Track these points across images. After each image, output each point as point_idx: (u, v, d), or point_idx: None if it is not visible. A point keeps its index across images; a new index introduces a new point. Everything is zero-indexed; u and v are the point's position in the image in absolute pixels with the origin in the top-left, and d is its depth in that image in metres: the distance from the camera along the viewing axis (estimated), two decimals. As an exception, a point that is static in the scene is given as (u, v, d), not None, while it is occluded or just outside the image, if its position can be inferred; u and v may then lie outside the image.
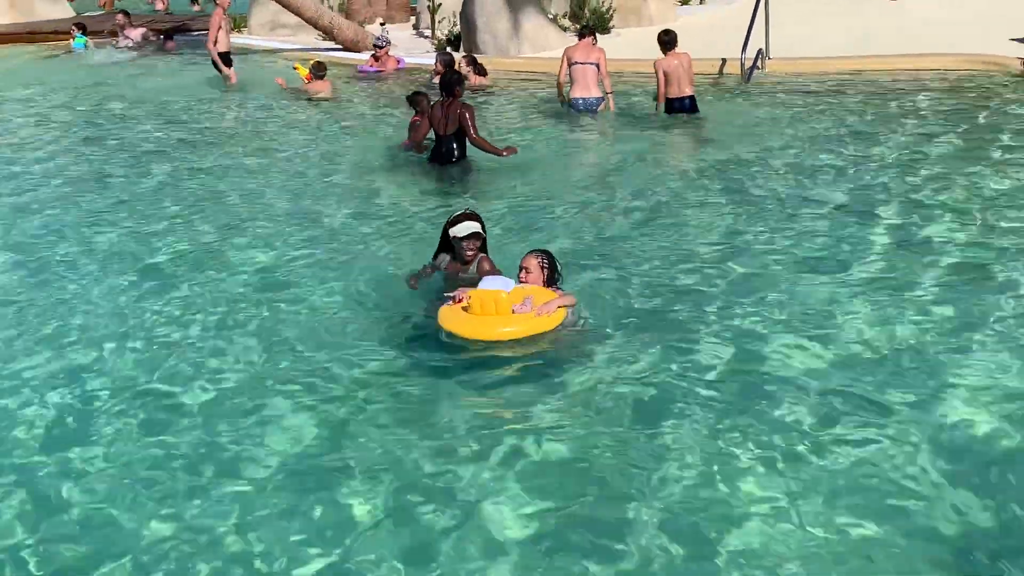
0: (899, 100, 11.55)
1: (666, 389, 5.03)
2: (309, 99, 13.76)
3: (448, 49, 16.68)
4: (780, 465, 4.33)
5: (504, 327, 5.36)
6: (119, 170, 10.33)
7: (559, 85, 12.34)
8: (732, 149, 9.90)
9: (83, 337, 6.03)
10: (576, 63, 11.87)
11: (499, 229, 7.45)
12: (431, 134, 9.83)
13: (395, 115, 12.51)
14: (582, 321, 5.68)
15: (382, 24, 20.46)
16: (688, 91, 11.38)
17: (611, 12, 17.92)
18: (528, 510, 4.09)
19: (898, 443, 4.45)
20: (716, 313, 5.92)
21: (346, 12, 20.59)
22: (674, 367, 5.26)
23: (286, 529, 4.06)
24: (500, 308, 5.37)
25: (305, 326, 6.04)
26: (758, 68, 13.54)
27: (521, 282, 5.72)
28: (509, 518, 4.04)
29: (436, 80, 12.40)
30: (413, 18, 21.48)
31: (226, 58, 15.49)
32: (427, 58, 15.96)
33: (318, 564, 3.85)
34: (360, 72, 15.98)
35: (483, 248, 6.20)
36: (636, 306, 6.10)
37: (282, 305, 6.40)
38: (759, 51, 13.61)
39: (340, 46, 18.31)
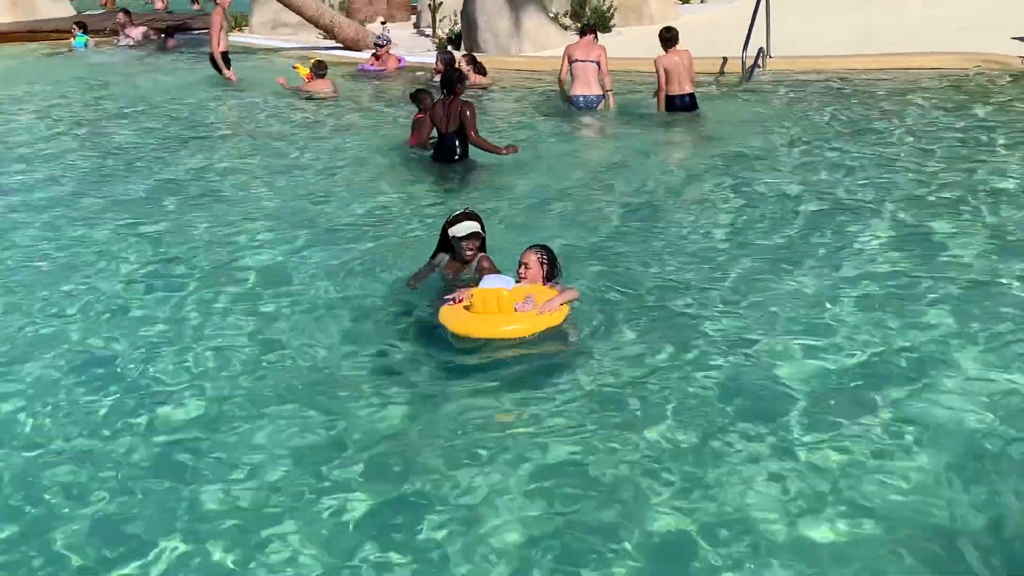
0: (900, 98, 11.53)
1: (666, 388, 5.02)
2: (310, 98, 13.75)
3: (449, 48, 16.67)
4: (780, 466, 4.32)
5: (507, 325, 5.36)
6: (119, 169, 10.33)
7: (560, 82, 12.36)
8: (732, 147, 9.89)
9: (83, 337, 6.03)
10: (577, 61, 11.87)
11: (500, 227, 7.45)
12: (434, 132, 9.85)
13: (396, 114, 12.51)
14: (577, 335, 5.66)
15: (383, 23, 20.47)
16: (688, 89, 11.37)
17: (612, 10, 17.91)
18: (528, 511, 4.08)
19: (897, 442, 4.45)
20: (716, 311, 5.91)
21: (347, 11, 20.59)
22: (674, 366, 5.25)
23: (286, 529, 4.06)
24: (502, 306, 5.36)
25: (304, 327, 6.03)
26: (759, 67, 13.53)
27: (521, 278, 5.72)
28: (509, 518, 4.04)
29: (437, 79, 12.41)
30: (414, 17, 21.48)
31: (224, 58, 15.49)
32: (428, 57, 15.96)
33: (318, 563, 3.85)
34: (361, 71, 15.98)
35: (482, 248, 6.19)
36: (636, 304, 6.09)
37: (281, 305, 6.38)
38: (760, 49, 13.60)
39: (341, 45, 18.31)
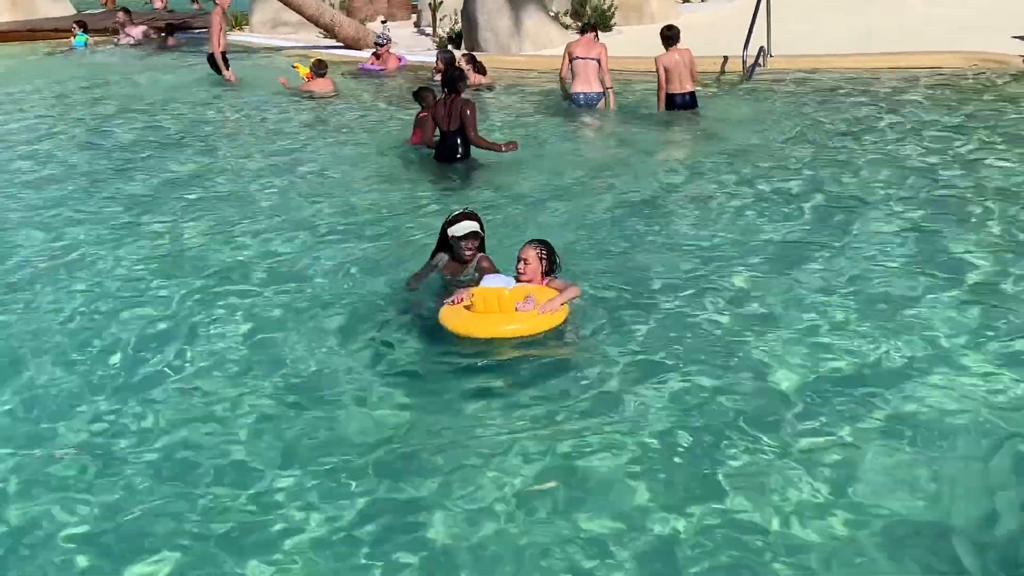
0: (901, 97, 11.52)
1: (667, 388, 5.01)
2: (310, 97, 13.74)
3: (449, 47, 16.66)
4: (779, 466, 4.32)
5: (507, 325, 5.35)
6: (119, 168, 10.31)
7: (561, 79, 12.37)
8: (733, 145, 9.89)
9: (82, 337, 6.02)
10: (577, 58, 11.88)
11: (501, 226, 7.44)
12: (436, 131, 9.85)
13: (396, 113, 12.50)
14: (577, 335, 5.64)
15: (383, 22, 20.46)
16: (689, 87, 11.37)
17: (613, 9, 17.90)
18: (528, 511, 4.08)
19: (898, 442, 4.44)
20: (717, 309, 5.91)
21: (347, 10, 20.57)
22: (675, 365, 5.24)
23: (285, 529, 4.05)
24: (503, 305, 5.35)
25: (303, 327, 6.01)
26: (760, 66, 13.52)
27: (519, 273, 5.71)
28: (509, 518, 4.03)
29: (437, 78, 12.41)
30: (414, 16, 21.46)
31: (223, 58, 15.47)
32: (428, 56, 15.96)
33: (318, 563, 3.85)
34: (361, 70, 15.96)
35: (481, 247, 6.18)
36: (637, 302, 6.07)
37: (280, 305, 6.37)
38: (761, 49, 13.59)
39: (341, 44, 18.29)
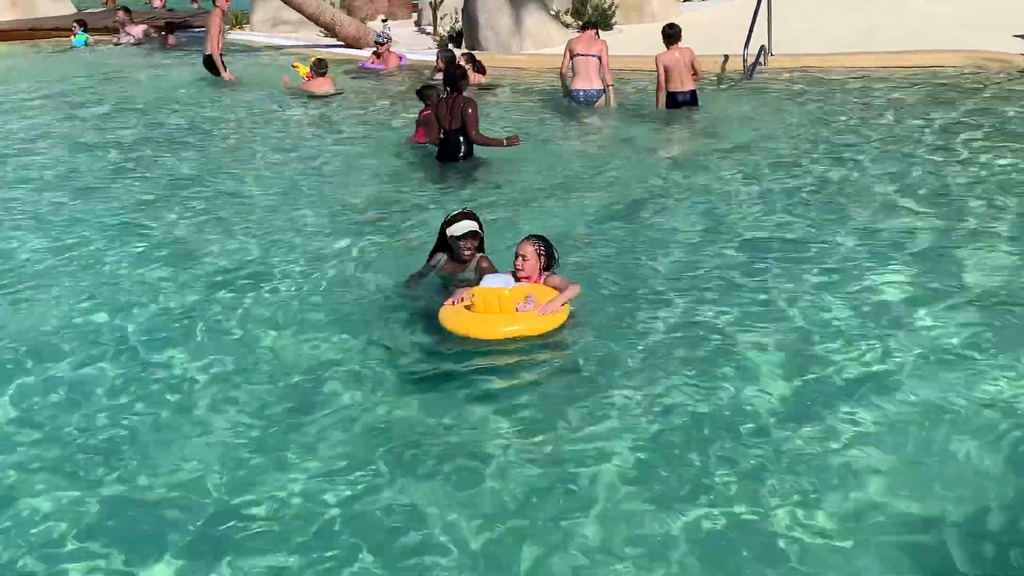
0: (902, 96, 11.50)
1: (667, 388, 5.00)
2: (311, 97, 13.72)
3: (450, 46, 16.66)
4: (780, 465, 4.31)
5: (508, 325, 5.33)
6: (119, 167, 10.30)
7: (561, 76, 12.37)
8: (733, 143, 9.89)
9: (81, 336, 6.01)
10: (578, 55, 11.88)
11: (502, 225, 7.43)
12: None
13: (397, 112, 12.49)
14: (578, 335, 5.63)
15: (384, 21, 20.45)
16: (690, 85, 11.38)
17: (613, 8, 17.88)
18: (528, 511, 4.07)
19: (897, 440, 4.43)
20: (718, 308, 5.89)
21: (348, 8, 20.56)
22: (675, 365, 5.23)
23: (285, 528, 4.04)
24: (504, 306, 5.34)
25: (302, 327, 6.00)
26: (760, 64, 13.50)
27: (517, 269, 5.70)
28: (509, 519, 4.02)
29: (437, 77, 12.39)
30: (415, 15, 21.45)
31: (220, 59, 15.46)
32: (429, 55, 15.95)
33: (318, 563, 3.83)
34: (362, 69, 15.96)
35: (480, 247, 6.17)
36: (638, 301, 6.06)
37: (278, 305, 6.36)
38: (761, 47, 13.58)
39: (342, 43, 18.28)
